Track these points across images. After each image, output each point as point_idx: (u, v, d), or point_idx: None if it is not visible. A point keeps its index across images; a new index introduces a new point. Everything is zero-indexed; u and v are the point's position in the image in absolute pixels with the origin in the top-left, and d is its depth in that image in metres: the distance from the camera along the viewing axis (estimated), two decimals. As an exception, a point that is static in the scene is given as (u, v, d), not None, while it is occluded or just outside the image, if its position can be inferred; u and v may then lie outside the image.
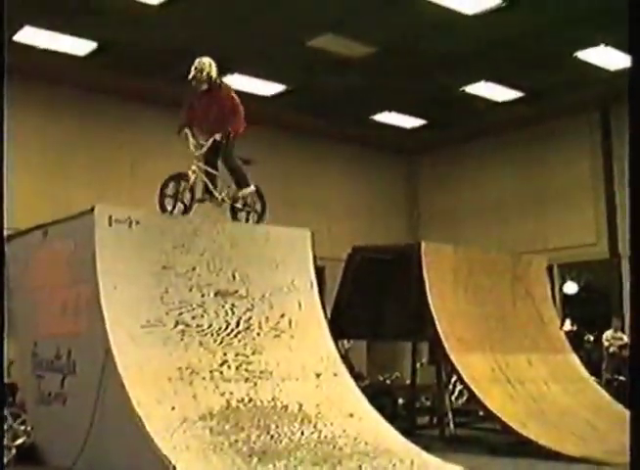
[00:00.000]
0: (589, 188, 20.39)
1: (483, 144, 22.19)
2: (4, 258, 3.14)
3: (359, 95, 19.25)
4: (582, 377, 12.79)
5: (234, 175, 10.39)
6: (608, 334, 16.49)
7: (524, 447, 10.36)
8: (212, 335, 9.25)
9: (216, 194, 10.25)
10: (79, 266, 9.02)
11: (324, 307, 10.76)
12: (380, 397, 12.21)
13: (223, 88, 10.29)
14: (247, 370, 9.16)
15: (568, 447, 10.20)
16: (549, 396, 11.74)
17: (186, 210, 9.82)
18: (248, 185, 10.51)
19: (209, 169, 10.20)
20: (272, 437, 8.50)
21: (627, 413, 11.77)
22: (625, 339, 15.75)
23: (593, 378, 13.27)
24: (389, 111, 20.83)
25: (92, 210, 8.92)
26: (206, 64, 10.06)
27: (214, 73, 10.12)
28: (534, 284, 13.53)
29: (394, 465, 8.57)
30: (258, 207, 10.75)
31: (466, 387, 11.46)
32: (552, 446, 10.18)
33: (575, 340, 14.72)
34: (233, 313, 9.59)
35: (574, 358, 13.07)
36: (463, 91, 19.12)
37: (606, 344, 16.36)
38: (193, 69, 10.06)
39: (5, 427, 10.33)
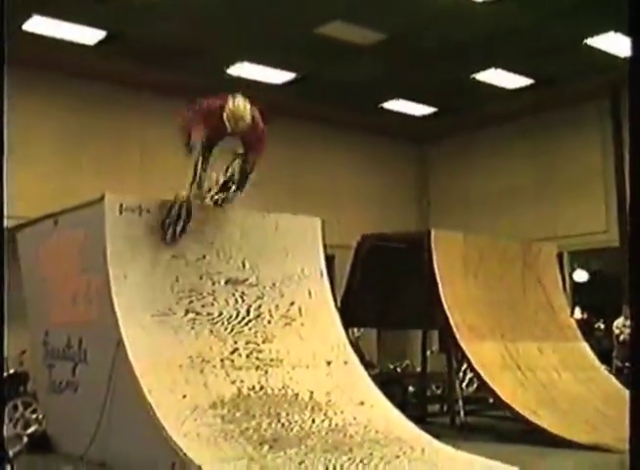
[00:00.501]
0: (600, 175, 20.34)
1: (494, 132, 22.14)
2: (4, 254, 3.16)
3: (369, 83, 19.22)
4: (593, 365, 12.78)
5: (239, 177, 9.68)
6: (618, 322, 16.45)
7: (534, 435, 10.37)
8: (223, 323, 9.25)
9: (207, 197, 9.52)
10: (90, 255, 9.03)
11: (334, 296, 10.76)
12: (390, 385, 12.20)
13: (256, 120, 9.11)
14: (257, 358, 9.17)
15: (578, 435, 10.21)
16: (560, 383, 11.74)
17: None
18: (242, 190, 9.77)
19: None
20: (283, 425, 8.52)
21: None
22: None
23: (604, 366, 13.27)
24: (400, 98, 20.81)
25: (102, 198, 8.92)
26: (241, 107, 8.83)
27: (253, 114, 8.97)
28: (545, 271, 13.51)
29: (405, 453, 8.57)
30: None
31: (476, 374, 11.47)
32: (563, 434, 10.20)
33: (586, 328, 14.70)
34: (243, 302, 9.59)
35: (585, 346, 13.05)
36: (473, 78, 19.08)
37: (616, 332, 16.32)
38: (229, 116, 8.78)
39: (17, 416, 10.42)
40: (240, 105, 8.79)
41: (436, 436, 9.23)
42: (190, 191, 9.10)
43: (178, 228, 9.06)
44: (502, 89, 19.78)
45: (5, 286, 3.60)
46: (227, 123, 8.77)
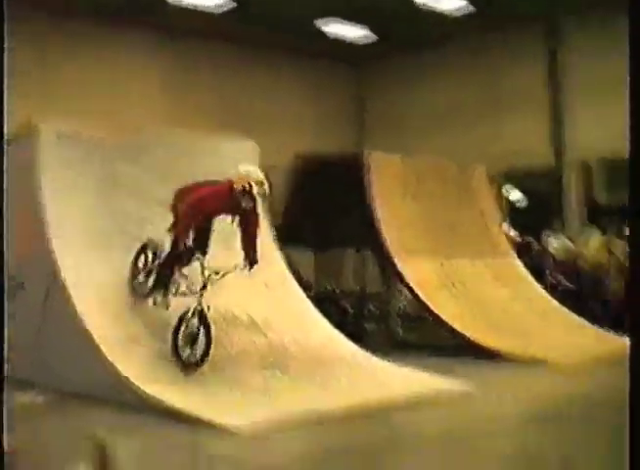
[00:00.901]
0: (536, 97, 20.44)
1: (432, 54, 22.02)
2: (3, 251, 3.14)
3: (306, 5, 18.99)
4: (526, 280, 13.01)
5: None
6: (553, 241, 16.57)
7: (469, 348, 10.61)
8: (160, 247, 9.21)
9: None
10: (24, 184, 8.89)
11: (271, 218, 10.79)
12: (329, 305, 12.30)
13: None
14: (194, 281, 9.17)
15: (511, 348, 10.48)
16: (493, 298, 11.96)
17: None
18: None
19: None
20: (223, 346, 8.58)
21: (570, 316, 12.05)
22: (571, 246, 15.92)
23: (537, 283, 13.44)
24: (338, 22, 20.56)
25: (35, 125, 8.79)
26: (253, 173, 8.26)
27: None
28: (479, 191, 13.67)
29: (343, 370, 8.73)
30: None
31: (412, 292, 11.63)
32: (497, 347, 10.46)
33: (519, 246, 14.90)
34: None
35: (518, 263, 13.28)
36: (413, 2, 18.90)
37: (552, 251, 16.48)
38: (251, 183, 8.08)
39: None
40: (253, 172, 8.28)
41: (374, 352, 9.39)
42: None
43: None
44: (441, 13, 19.63)
45: (5, 284, 3.54)
46: (254, 187, 8.10)
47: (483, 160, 15.53)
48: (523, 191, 21.54)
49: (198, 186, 8.42)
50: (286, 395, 7.72)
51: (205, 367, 8.08)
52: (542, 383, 9.46)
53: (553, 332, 11.55)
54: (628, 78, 3.09)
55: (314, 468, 6.10)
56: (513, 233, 15.74)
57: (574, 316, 12.39)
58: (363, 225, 11.86)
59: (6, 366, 8.94)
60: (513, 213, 18.32)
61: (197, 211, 8.19)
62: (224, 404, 7.40)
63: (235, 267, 8.35)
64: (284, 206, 12.84)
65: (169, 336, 8.17)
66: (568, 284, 14.57)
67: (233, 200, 8.14)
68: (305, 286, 11.57)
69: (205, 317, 8.21)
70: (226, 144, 10.54)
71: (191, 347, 8.12)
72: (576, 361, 10.30)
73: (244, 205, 8.14)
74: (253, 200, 8.17)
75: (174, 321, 8.22)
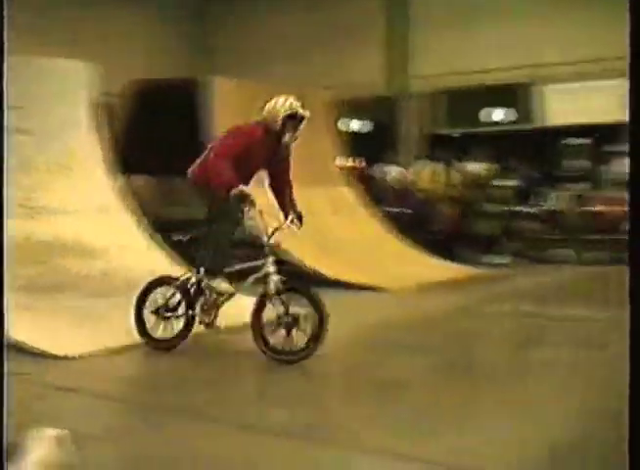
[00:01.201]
0: (378, 25, 20.57)
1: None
2: (3, 252, 2.97)
3: None
4: (362, 210, 13.22)
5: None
6: (390, 170, 16.83)
7: (308, 277, 10.73)
8: (-7, 174, 8.95)
9: None
10: None
11: (112, 144, 10.64)
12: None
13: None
14: (29, 207, 9.00)
15: (349, 276, 10.71)
16: (330, 227, 12.05)
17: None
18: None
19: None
20: (56, 271, 8.46)
21: (406, 244, 12.36)
22: (408, 175, 16.19)
23: (377, 212, 13.65)
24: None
25: None
26: (287, 99, 7.01)
27: None
28: (317, 119, 13.67)
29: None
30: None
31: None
32: (334, 275, 10.66)
33: (357, 175, 15.10)
34: (16, 151, 9.29)
35: (354, 192, 13.45)
36: None
37: (390, 181, 16.76)
38: (286, 105, 6.95)
39: None
40: (284, 97, 7.05)
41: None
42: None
43: None
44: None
45: (5, 284, 3.35)
46: (299, 109, 6.95)
47: (322, 87, 15.58)
48: (361, 120, 21.75)
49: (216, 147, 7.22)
50: (122, 323, 7.64)
51: (40, 295, 7.94)
52: (379, 309, 9.76)
53: (389, 260, 11.85)
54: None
55: (137, 391, 6.26)
56: (350, 162, 15.93)
57: (410, 244, 12.75)
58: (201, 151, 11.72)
59: None
60: (351, 143, 18.51)
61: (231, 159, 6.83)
62: (57, 333, 7.32)
63: (290, 222, 7.08)
64: (123, 132, 12.58)
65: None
66: (405, 212, 14.88)
67: (272, 138, 7.01)
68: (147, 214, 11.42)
69: (298, 288, 6.75)
70: (62, 66, 10.29)
71: (298, 329, 6.50)
72: (411, 288, 10.67)
73: (286, 139, 6.99)
74: (299, 123, 6.96)
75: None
